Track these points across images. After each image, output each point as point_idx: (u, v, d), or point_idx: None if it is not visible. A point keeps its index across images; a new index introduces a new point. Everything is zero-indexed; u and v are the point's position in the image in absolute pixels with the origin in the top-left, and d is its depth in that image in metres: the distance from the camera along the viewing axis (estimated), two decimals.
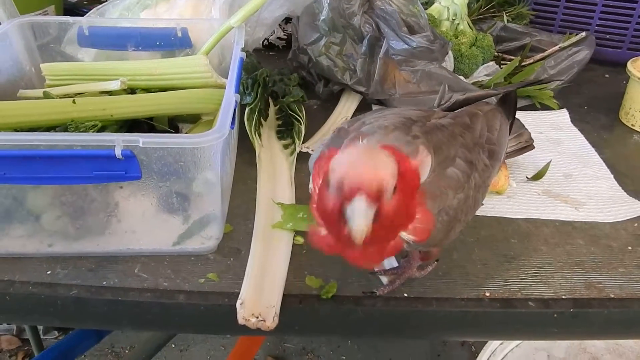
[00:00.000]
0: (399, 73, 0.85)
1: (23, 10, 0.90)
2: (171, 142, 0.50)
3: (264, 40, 1.10)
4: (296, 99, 0.78)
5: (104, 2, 0.94)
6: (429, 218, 0.46)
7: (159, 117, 0.72)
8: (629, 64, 0.86)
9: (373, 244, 0.42)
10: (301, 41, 0.89)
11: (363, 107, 0.89)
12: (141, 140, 0.49)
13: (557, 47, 0.97)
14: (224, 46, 0.80)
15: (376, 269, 0.57)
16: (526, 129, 0.73)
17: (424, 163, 0.47)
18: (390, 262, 0.58)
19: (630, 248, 0.62)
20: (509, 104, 0.63)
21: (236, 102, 0.58)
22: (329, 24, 0.84)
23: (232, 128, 0.59)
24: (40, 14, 1.03)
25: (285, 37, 1.11)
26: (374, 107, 0.89)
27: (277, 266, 0.55)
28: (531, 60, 0.98)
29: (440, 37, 0.83)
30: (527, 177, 0.73)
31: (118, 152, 0.49)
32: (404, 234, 0.45)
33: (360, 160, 0.41)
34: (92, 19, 0.80)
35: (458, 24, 0.94)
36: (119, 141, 0.49)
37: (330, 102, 0.90)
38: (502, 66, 0.96)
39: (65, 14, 1.06)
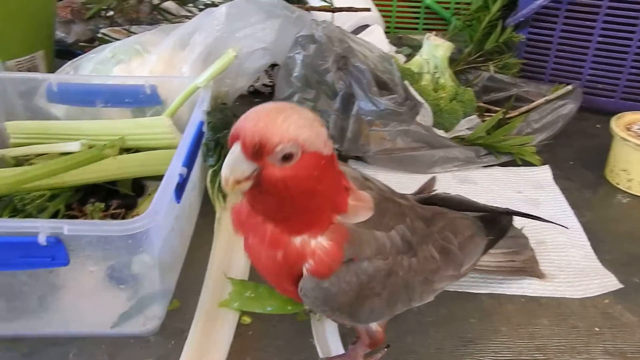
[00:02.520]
0: (374, 131, 0.83)
1: (11, 54, 0.90)
2: (99, 229, 0.49)
3: (249, 87, 1.10)
4: None
5: (95, 46, 0.95)
6: (337, 256, 0.42)
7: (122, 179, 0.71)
8: (612, 122, 0.83)
9: (261, 215, 0.41)
10: (277, 95, 0.88)
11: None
12: (66, 227, 0.47)
13: (543, 100, 0.94)
14: (194, 103, 0.79)
15: (321, 356, 0.55)
16: (529, 250, 0.65)
17: (358, 205, 0.45)
18: (337, 348, 0.55)
19: (597, 329, 0.58)
20: (493, 224, 0.58)
21: (182, 176, 0.57)
22: (302, 80, 0.83)
23: (178, 202, 0.58)
24: (28, 59, 1.04)
25: (270, 83, 1.11)
26: (351, 162, 0.87)
27: (216, 352, 0.53)
28: (516, 113, 0.95)
29: (413, 97, 0.81)
30: None
31: (42, 239, 0.47)
32: (309, 249, 0.42)
33: (266, 111, 0.38)
34: (60, 76, 0.80)
35: (439, 77, 0.92)
36: (43, 228, 0.47)
37: None
38: (485, 119, 0.94)
39: (58, 56, 1.07)
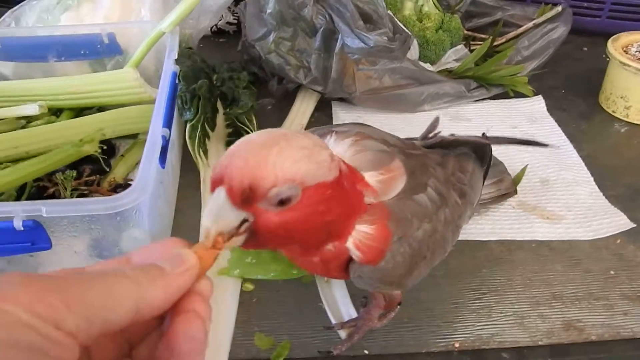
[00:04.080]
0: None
1: None
2: (82, 208, 0.42)
3: (212, 27, 1.00)
4: (245, 110, 0.70)
5: None
6: (385, 237, 0.38)
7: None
8: (609, 44, 0.78)
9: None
10: (249, 36, 0.79)
11: (322, 106, 0.81)
12: (44, 209, 0.41)
13: (531, 24, 0.89)
14: (159, 50, 0.71)
15: (333, 322, 0.51)
16: (508, 174, 0.64)
17: (396, 178, 0.41)
18: (349, 312, 0.52)
19: (612, 272, 0.56)
20: (482, 152, 0.55)
21: (165, 138, 0.51)
22: (277, 17, 0.75)
23: (163, 167, 0.51)
24: None
25: (235, 21, 1.01)
26: (335, 105, 0.81)
27: (222, 323, 0.49)
28: (503, 40, 0.90)
29: (402, 29, 0.74)
30: None
31: (18, 224, 0.41)
32: (350, 245, 0.37)
33: (255, 146, 0.31)
34: (3, 30, 0.70)
35: (422, 5, 0.85)
36: (17, 212, 0.41)
37: (287, 100, 0.81)
38: (472, 48, 0.88)
39: None
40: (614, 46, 0.78)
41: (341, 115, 0.80)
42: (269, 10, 0.75)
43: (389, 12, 0.79)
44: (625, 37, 0.80)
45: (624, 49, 0.78)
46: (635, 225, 0.61)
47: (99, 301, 0.23)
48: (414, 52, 0.82)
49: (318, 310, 0.53)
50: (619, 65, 0.76)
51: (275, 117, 0.79)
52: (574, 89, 0.86)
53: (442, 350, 0.49)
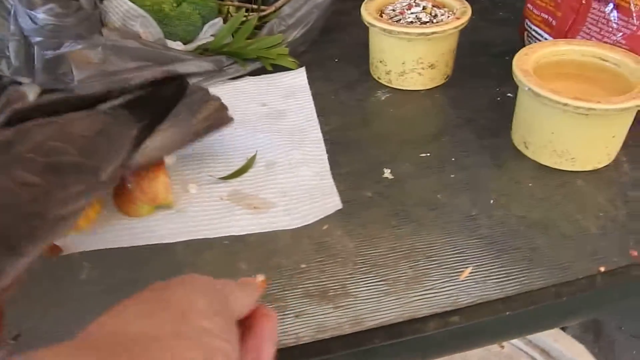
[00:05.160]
0: (75, 52, 0.66)
1: None
2: None
3: None
4: None
5: None
6: None
7: None
8: (362, 7, 0.70)
9: None
10: None
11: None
12: None
13: None
14: None
15: None
16: (214, 98, 0.57)
17: None
18: None
19: (303, 266, 0.48)
20: (146, 105, 0.46)
21: None
22: None
23: None
24: None
25: None
26: None
27: None
28: (272, 9, 0.80)
29: (94, 4, 0.63)
30: (212, 176, 0.57)
31: None
32: None
33: None
34: None
35: None
36: None
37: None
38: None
39: None
40: (367, 8, 0.69)
41: None
42: None
43: None
44: None
45: (378, 10, 0.70)
46: (342, 207, 0.53)
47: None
48: (152, 30, 0.71)
49: None
50: (371, 27, 0.68)
51: None
52: (349, 59, 0.78)
53: None
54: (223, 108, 0.57)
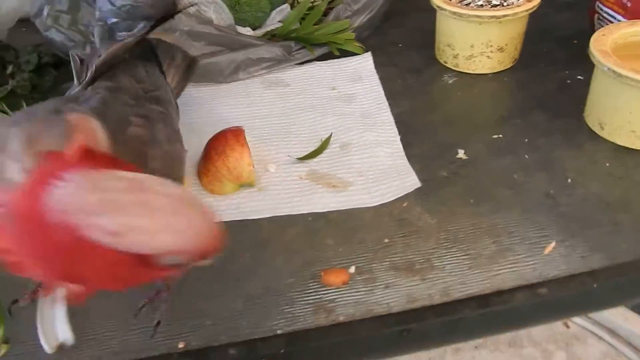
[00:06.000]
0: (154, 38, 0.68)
1: None
2: None
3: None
4: (3, 95, 0.62)
5: None
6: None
7: None
8: None
9: None
10: (30, 12, 0.71)
11: None
12: None
13: None
14: None
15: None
16: (176, 47, 0.62)
17: (89, 126, 0.36)
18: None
19: (386, 241, 0.49)
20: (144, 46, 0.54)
21: None
22: None
23: None
24: None
25: None
26: None
27: None
28: None
29: None
30: (290, 157, 0.59)
31: None
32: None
33: None
34: None
35: None
36: None
37: None
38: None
39: None
40: None
41: None
42: None
43: None
44: None
45: None
46: (421, 185, 0.54)
47: None
48: (224, 16, 0.74)
49: None
50: (440, 11, 0.69)
51: None
52: (412, 43, 0.79)
53: (163, 353, 0.42)
54: (185, 54, 0.63)
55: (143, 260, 0.29)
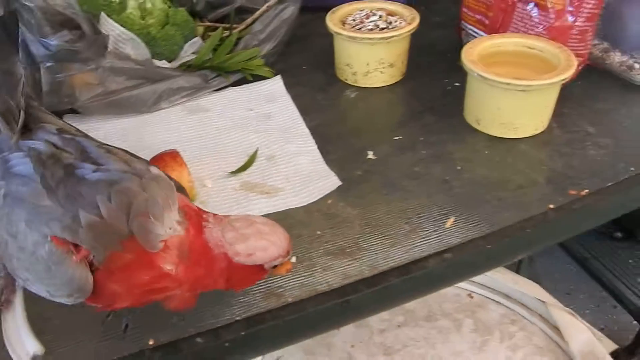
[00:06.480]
0: (76, 77, 0.73)
1: None
2: None
3: None
4: None
5: None
6: None
7: None
8: (327, 17, 0.81)
9: None
10: None
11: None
12: None
13: (264, 7, 0.90)
14: None
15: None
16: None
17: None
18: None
19: (319, 232, 0.58)
20: None
21: None
22: None
23: None
24: None
25: None
26: (67, 118, 0.77)
27: None
28: (243, 26, 0.90)
29: (94, 30, 0.71)
30: (224, 172, 0.66)
31: None
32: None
33: None
34: None
35: (144, 2, 0.83)
36: None
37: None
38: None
39: None
40: (331, 19, 0.81)
41: None
42: None
43: (102, 14, 0.76)
44: (342, 9, 0.83)
45: (342, 20, 0.82)
46: (341, 183, 0.63)
47: None
48: (141, 51, 0.79)
49: None
50: (337, 36, 0.79)
51: None
52: (315, 64, 0.89)
53: (135, 352, 0.48)
54: None
55: (261, 268, 0.44)
